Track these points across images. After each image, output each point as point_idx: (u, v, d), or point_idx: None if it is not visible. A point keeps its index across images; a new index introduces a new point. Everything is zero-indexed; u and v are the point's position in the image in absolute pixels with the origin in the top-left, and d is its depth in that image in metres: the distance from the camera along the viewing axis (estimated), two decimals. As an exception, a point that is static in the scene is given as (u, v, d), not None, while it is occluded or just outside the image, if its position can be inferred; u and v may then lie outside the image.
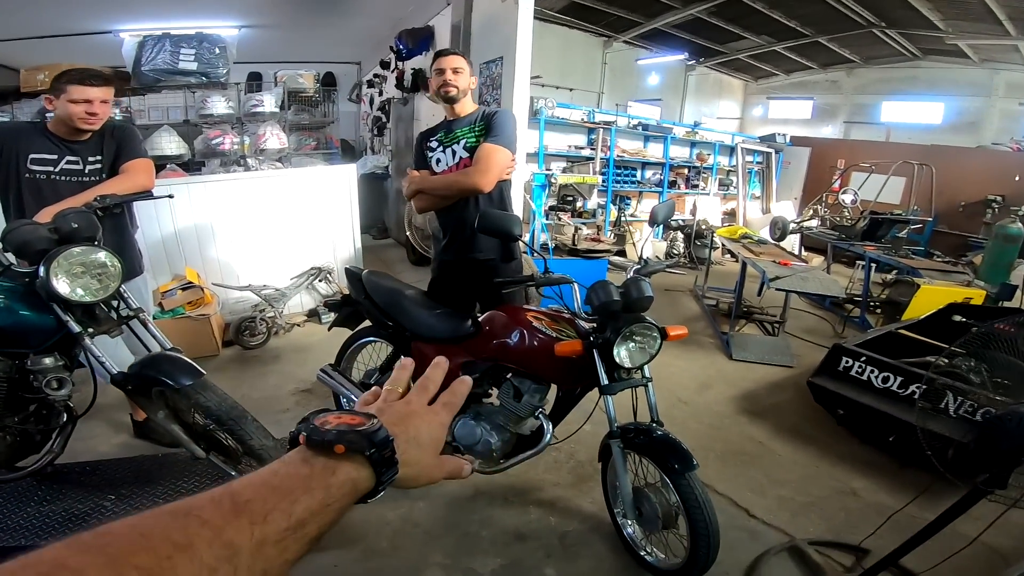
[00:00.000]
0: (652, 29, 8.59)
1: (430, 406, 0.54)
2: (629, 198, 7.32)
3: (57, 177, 2.02)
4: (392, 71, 6.31)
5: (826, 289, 3.62)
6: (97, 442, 2.45)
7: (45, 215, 1.73)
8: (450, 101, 2.19)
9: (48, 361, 1.63)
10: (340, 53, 8.03)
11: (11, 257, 1.65)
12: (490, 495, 2.20)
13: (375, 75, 7.40)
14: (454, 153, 2.20)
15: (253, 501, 0.37)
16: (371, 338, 2.35)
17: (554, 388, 1.90)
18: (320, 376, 2.31)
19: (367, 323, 2.34)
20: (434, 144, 2.25)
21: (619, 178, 6.90)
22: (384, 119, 7.17)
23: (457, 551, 1.93)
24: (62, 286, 1.54)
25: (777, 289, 3.60)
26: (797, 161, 8.88)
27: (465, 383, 0.59)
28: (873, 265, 4.54)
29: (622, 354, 1.59)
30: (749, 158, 8.20)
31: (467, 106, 2.25)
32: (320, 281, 3.99)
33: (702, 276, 5.30)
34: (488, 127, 2.14)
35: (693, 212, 7.43)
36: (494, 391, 1.96)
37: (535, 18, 4.03)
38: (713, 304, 4.77)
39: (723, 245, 5.11)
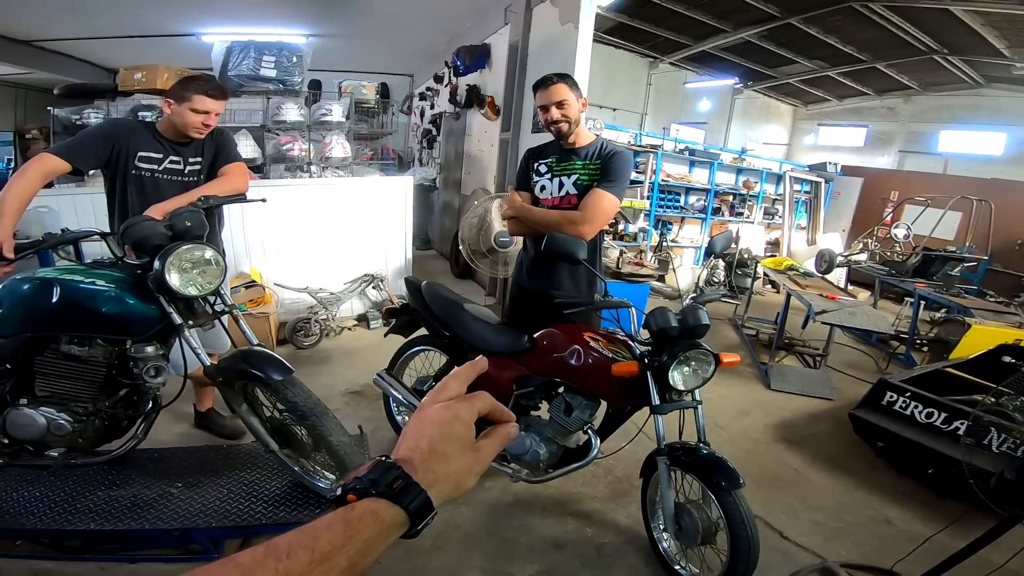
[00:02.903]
0: (700, 51, 8.55)
1: (444, 406, 0.54)
2: (671, 223, 7.29)
3: (160, 176, 2.15)
4: (446, 85, 6.46)
5: (874, 325, 3.58)
6: (159, 430, 2.56)
7: (156, 212, 1.88)
8: (563, 137, 2.10)
9: (150, 349, 1.74)
10: (394, 64, 8.33)
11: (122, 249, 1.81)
12: (529, 504, 2.30)
13: (428, 88, 7.58)
14: (561, 185, 2.11)
15: (279, 541, 0.43)
16: (425, 347, 2.47)
17: (604, 404, 1.96)
18: (376, 380, 2.43)
19: (420, 332, 2.45)
20: (543, 168, 2.16)
21: (662, 203, 6.88)
22: (435, 132, 7.35)
23: (497, 555, 2.02)
24: (174, 280, 1.65)
25: (823, 323, 3.58)
26: (847, 191, 8.66)
27: (477, 365, 0.60)
28: (923, 302, 4.44)
29: (676, 377, 1.66)
30: (797, 187, 8.06)
31: (582, 135, 2.13)
32: (372, 288, 4.17)
33: (742, 305, 5.27)
34: (604, 169, 2.04)
35: (736, 241, 7.35)
36: (545, 404, 2.04)
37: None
38: (753, 334, 4.74)
39: (765, 275, 5.07)
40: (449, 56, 5.84)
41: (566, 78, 2.08)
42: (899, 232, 5.31)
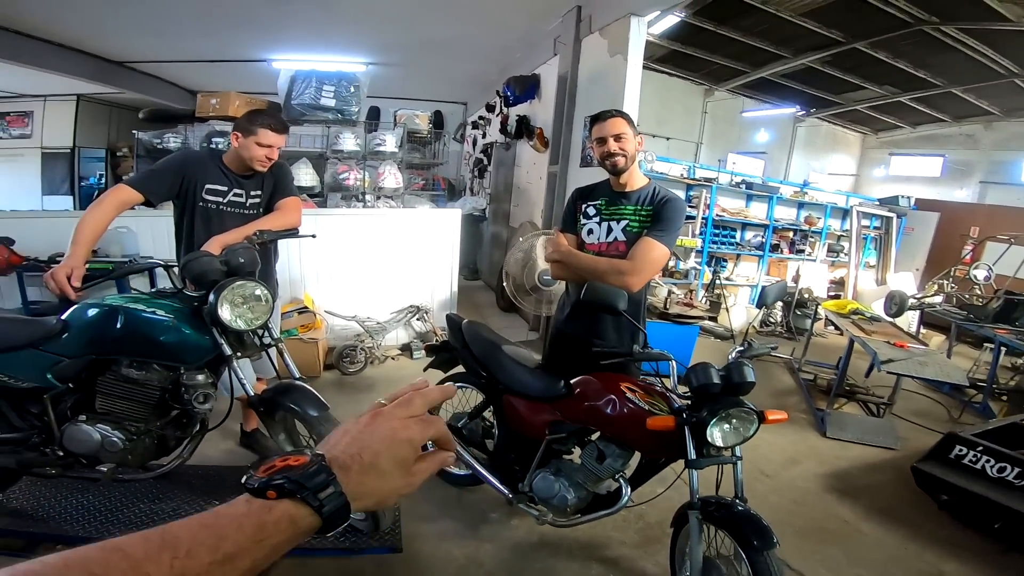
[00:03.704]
0: (758, 78, 8.28)
1: (401, 421, 0.53)
2: (725, 260, 6.95)
3: (224, 208, 2.27)
4: (497, 115, 6.55)
5: (947, 376, 3.31)
6: (206, 446, 2.67)
7: (215, 244, 2.00)
8: (618, 173, 2.03)
9: (200, 377, 1.84)
10: (448, 93, 8.54)
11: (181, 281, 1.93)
12: (555, 546, 2.24)
13: (480, 117, 7.68)
14: (610, 230, 2.03)
15: (180, 538, 0.40)
16: (462, 384, 2.45)
17: (637, 454, 1.89)
18: (410, 413, 2.44)
19: (459, 368, 2.44)
20: (591, 211, 2.08)
21: (716, 239, 6.56)
22: (486, 162, 7.43)
23: (516, 597, 1.95)
24: (225, 313, 1.76)
25: (889, 372, 3.33)
26: (922, 227, 8.02)
27: (446, 391, 0.59)
28: (1003, 348, 4.05)
29: (716, 435, 1.57)
30: (865, 222, 7.53)
31: (635, 178, 2.05)
32: (416, 319, 4.23)
33: (799, 348, 4.97)
34: (657, 217, 1.96)
35: (796, 279, 6.96)
36: (577, 449, 1.98)
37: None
38: (810, 379, 4.45)
39: (827, 318, 4.77)
40: (500, 86, 5.91)
41: (624, 115, 2.03)
42: (979, 273, 4.89)
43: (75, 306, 1.88)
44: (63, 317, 1.87)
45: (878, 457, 3.28)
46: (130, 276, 3.35)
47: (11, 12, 4.95)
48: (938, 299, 5.11)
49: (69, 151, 8.42)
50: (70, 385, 1.83)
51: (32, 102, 8.19)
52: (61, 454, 1.81)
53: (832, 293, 7.25)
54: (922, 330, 5.57)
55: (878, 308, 4.66)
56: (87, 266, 1.93)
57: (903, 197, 7.86)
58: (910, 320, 5.67)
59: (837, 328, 4.86)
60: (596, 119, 2.04)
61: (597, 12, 4.31)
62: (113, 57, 6.70)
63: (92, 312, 1.83)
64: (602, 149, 2.01)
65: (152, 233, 3.74)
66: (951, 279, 5.12)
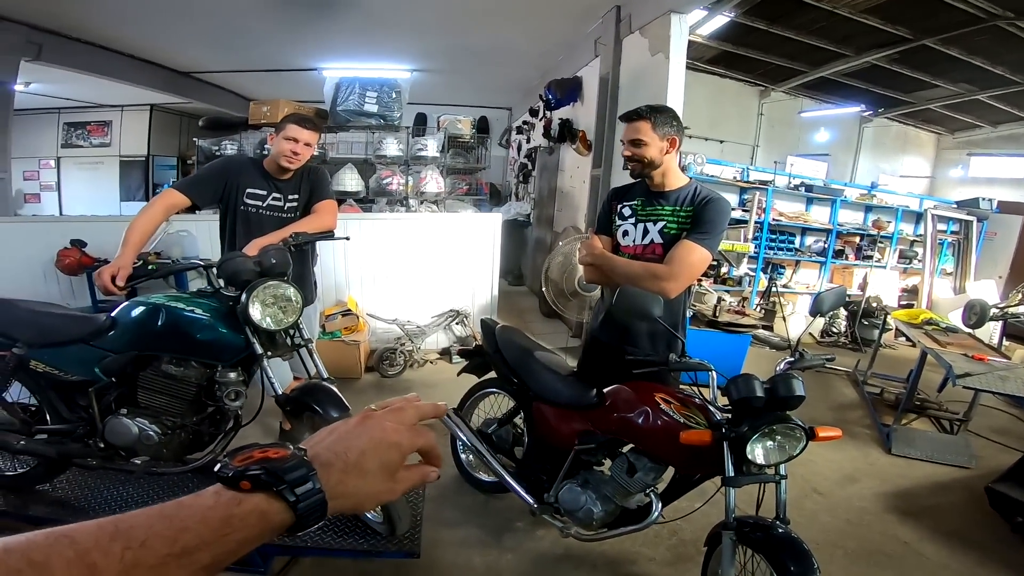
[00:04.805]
0: (818, 78, 7.83)
1: (392, 426, 0.51)
2: (783, 267, 6.57)
3: (263, 212, 2.34)
4: (540, 119, 6.53)
5: (1031, 391, 2.95)
6: (247, 443, 2.79)
7: (253, 247, 2.03)
8: (636, 177, 1.96)
9: (233, 375, 1.89)
10: (493, 98, 8.60)
11: (220, 281, 1.99)
12: (579, 560, 2.14)
13: (524, 122, 7.67)
14: (646, 232, 1.93)
15: (136, 527, 0.38)
16: (495, 389, 2.41)
17: (671, 468, 1.78)
18: (443, 418, 2.41)
19: (493, 374, 2.39)
20: (626, 212, 1.99)
21: (773, 244, 6.20)
22: (530, 166, 7.41)
23: (535, 610, 1.87)
24: (256, 312, 1.79)
25: (966, 387, 3.02)
26: (1006, 231, 7.33)
27: (438, 408, 0.58)
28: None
29: (757, 451, 1.45)
30: (942, 227, 6.93)
31: (673, 177, 1.93)
32: (456, 323, 4.23)
33: (865, 360, 4.61)
34: (697, 218, 1.85)
35: (863, 287, 6.50)
36: (607, 461, 1.89)
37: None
38: (876, 392, 4.12)
39: (897, 328, 4.40)
40: (542, 90, 5.90)
41: (654, 114, 1.88)
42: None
43: (124, 304, 1.96)
44: (112, 314, 1.95)
45: (948, 476, 3.02)
46: (189, 276, 3.53)
47: (90, 26, 5.36)
48: (1023, 308, 4.61)
49: (144, 159, 9.05)
50: (114, 379, 1.90)
51: (110, 112, 8.86)
52: (102, 446, 1.89)
53: (904, 302, 6.72)
54: (1005, 342, 5.07)
55: (955, 318, 4.25)
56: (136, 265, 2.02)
57: (984, 199, 7.18)
58: (991, 331, 5.15)
59: (908, 339, 4.49)
60: (622, 118, 1.98)
61: (636, 11, 4.22)
62: (181, 68, 7.14)
63: (137, 310, 1.91)
64: (624, 151, 1.95)
65: (210, 236, 3.91)
66: (1039, 287, 4.62)
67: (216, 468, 0.45)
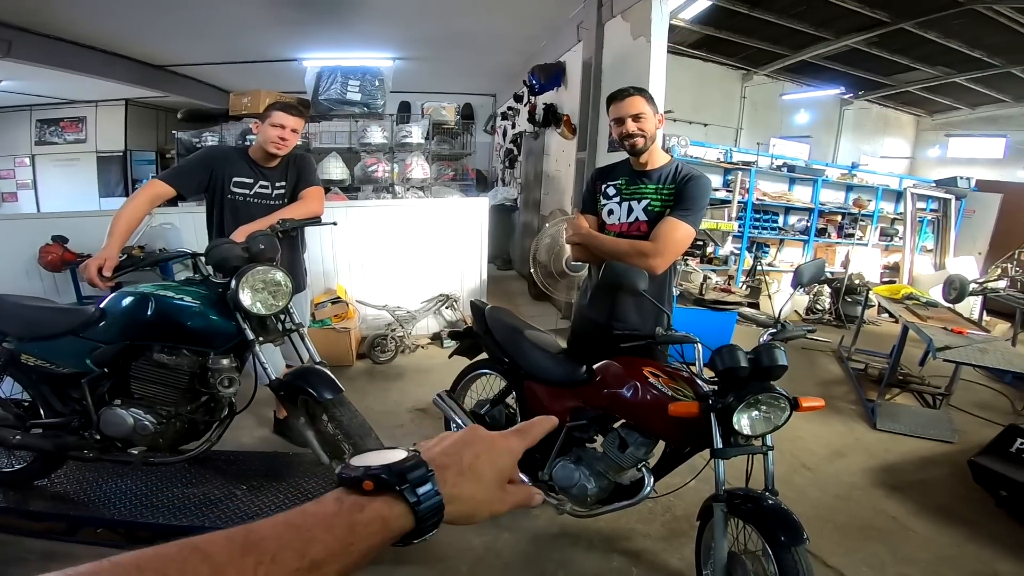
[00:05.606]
0: (798, 61, 7.89)
1: (500, 433, 0.51)
2: (767, 246, 6.69)
3: (251, 200, 2.34)
4: (524, 105, 6.54)
5: (1008, 364, 3.06)
6: (241, 433, 2.78)
7: (240, 234, 2.03)
8: (637, 153, 1.97)
9: (225, 362, 1.88)
10: (477, 85, 8.55)
11: (209, 268, 1.98)
12: (575, 536, 2.18)
13: (509, 108, 7.67)
14: (630, 210, 1.97)
15: (267, 540, 0.36)
16: (487, 370, 2.43)
17: (661, 443, 1.82)
18: (436, 400, 2.44)
19: (485, 355, 2.42)
20: (611, 191, 2.02)
21: (757, 223, 6.32)
22: (516, 151, 7.43)
23: (532, 588, 1.90)
24: (246, 298, 1.79)
25: (945, 360, 3.10)
26: (984, 209, 7.51)
27: (551, 420, 0.57)
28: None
29: (743, 422, 1.48)
30: (921, 205, 7.10)
31: (656, 156, 1.98)
32: (446, 308, 4.24)
33: (849, 336, 4.71)
34: (679, 195, 1.89)
35: (845, 264, 6.63)
36: (599, 437, 1.92)
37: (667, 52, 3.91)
38: (860, 368, 4.22)
39: (879, 304, 4.50)
40: (526, 75, 5.89)
41: (643, 92, 1.95)
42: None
43: (112, 294, 1.95)
44: (101, 305, 1.94)
45: (932, 451, 3.08)
46: (176, 268, 3.50)
47: (61, 21, 5.21)
48: (1002, 283, 4.74)
49: (121, 154, 8.86)
50: (106, 370, 1.90)
51: (84, 108, 8.63)
52: (98, 437, 1.88)
53: (886, 279, 6.86)
54: (985, 316, 5.20)
55: (936, 294, 4.36)
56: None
57: (962, 179, 7.36)
58: (972, 306, 5.29)
59: (891, 316, 4.60)
60: (613, 98, 1.98)
61: (618, -5, 4.20)
62: (156, 61, 6.98)
63: (126, 300, 1.90)
64: (620, 129, 1.95)
65: (195, 228, 3.87)
66: (1016, 262, 4.80)
67: (338, 471, 0.44)
